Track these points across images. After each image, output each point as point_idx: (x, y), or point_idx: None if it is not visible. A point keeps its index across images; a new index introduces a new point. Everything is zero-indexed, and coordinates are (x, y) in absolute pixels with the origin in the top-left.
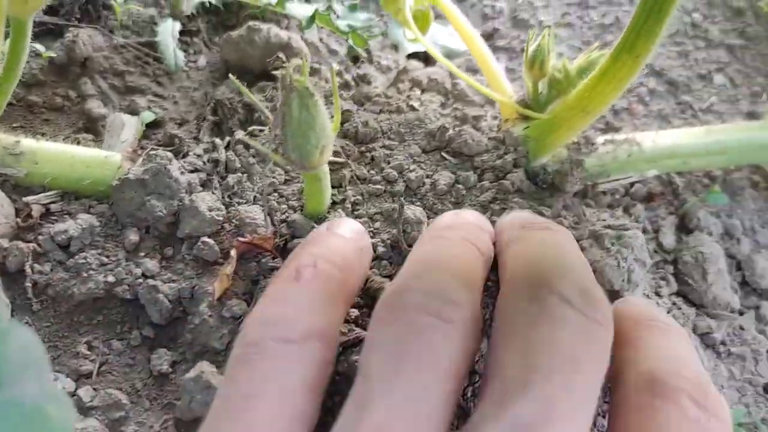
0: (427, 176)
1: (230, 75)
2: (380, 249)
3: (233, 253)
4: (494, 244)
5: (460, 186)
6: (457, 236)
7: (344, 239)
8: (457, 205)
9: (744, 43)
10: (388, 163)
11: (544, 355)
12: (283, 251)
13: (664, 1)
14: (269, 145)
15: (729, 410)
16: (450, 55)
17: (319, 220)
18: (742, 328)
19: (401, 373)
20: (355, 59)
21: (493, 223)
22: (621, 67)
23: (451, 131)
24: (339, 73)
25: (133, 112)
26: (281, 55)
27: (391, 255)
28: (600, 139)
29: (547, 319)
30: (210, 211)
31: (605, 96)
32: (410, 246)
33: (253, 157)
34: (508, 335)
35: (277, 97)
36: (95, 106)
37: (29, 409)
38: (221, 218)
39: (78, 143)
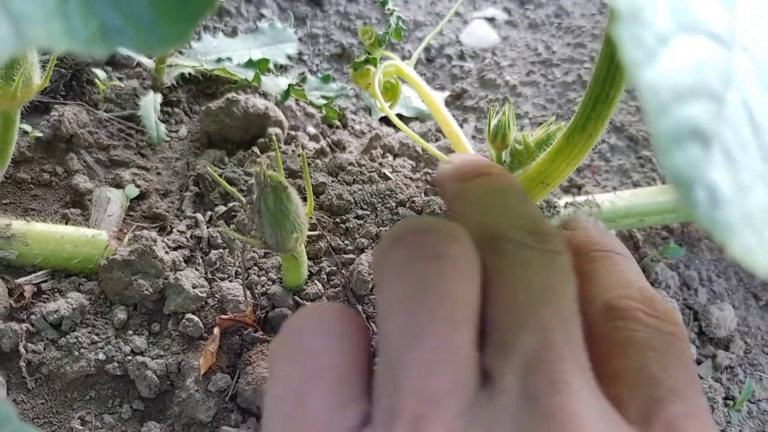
0: None
1: (204, 163)
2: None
3: (216, 331)
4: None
5: None
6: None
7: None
8: None
9: None
10: (360, 233)
11: (524, 296)
12: (264, 323)
13: (611, 89)
14: (248, 227)
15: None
16: (422, 116)
17: (298, 291)
18: (700, 377)
19: (420, 334)
20: (329, 125)
21: None
22: (574, 146)
23: (419, 200)
24: (315, 137)
25: (118, 185)
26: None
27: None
28: (561, 202)
29: (512, 266)
30: (194, 288)
31: (561, 171)
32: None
33: (235, 232)
34: (490, 293)
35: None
36: (81, 181)
37: None
38: (204, 294)
39: (66, 219)
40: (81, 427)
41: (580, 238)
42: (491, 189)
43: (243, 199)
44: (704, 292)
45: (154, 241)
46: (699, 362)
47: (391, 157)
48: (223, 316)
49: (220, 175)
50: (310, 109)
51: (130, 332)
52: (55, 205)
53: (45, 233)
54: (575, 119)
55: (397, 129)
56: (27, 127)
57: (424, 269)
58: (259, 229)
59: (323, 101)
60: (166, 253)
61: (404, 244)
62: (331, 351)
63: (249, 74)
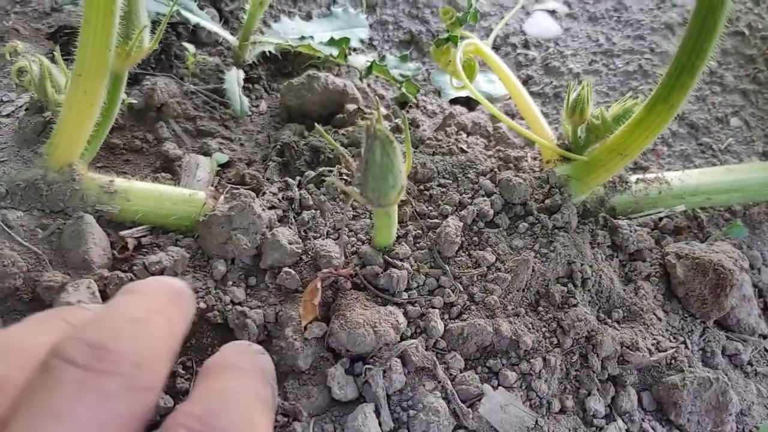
0: (478, 211)
1: (317, 125)
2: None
3: (319, 284)
4: None
5: (507, 218)
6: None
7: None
8: (509, 234)
9: (757, 87)
10: (443, 200)
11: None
12: (354, 278)
13: (697, 59)
14: (345, 184)
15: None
16: (490, 100)
17: (387, 251)
18: (766, 350)
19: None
20: (402, 104)
21: None
22: (656, 116)
23: (499, 174)
24: (388, 117)
25: (206, 153)
26: (349, 106)
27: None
28: (633, 178)
29: (43, 386)
30: (290, 244)
31: (641, 141)
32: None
33: (324, 195)
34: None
35: (348, 131)
36: (171, 148)
37: None
38: (299, 250)
39: (158, 182)
40: (183, 372)
41: (212, 359)
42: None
43: (346, 153)
44: (767, 272)
45: (253, 198)
46: (765, 337)
47: (464, 135)
48: (325, 270)
49: (305, 144)
50: (381, 91)
51: (230, 284)
52: (146, 170)
53: (145, 190)
54: (658, 89)
55: (469, 109)
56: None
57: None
58: (363, 183)
59: (402, 78)
60: (263, 210)
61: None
62: None
63: (332, 51)
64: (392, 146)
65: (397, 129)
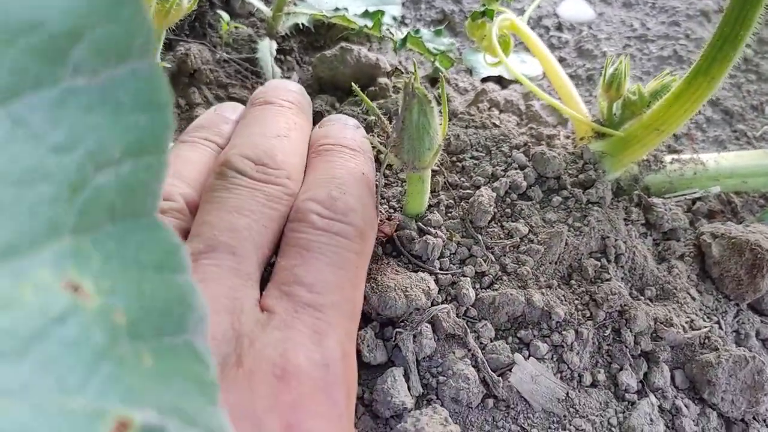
0: (511, 183)
1: (353, 84)
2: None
3: None
4: None
5: (540, 191)
6: (197, 137)
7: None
8: (542, 207)
9: None
10: (475, 172)
11: (216, 214)
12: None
13: (741, 29)
14: (389, 142)
15: (364, 216)
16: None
17: (418, 218)
18: None
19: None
20: (433, 81)
21: None
22: (696, 89)
23: (533, 148)
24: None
25: None
26: (381, 80)
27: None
28: (668, 158)
29: (225, 189)
30: None
31: (679, 116)
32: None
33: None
34: (201, 204)
35: (381, 103)
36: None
37: (200, 357)
38: None
39: None
40: None
41: (317, 132)
42: (258, 119)
43: (381, 115)
44: None
45: None
46: None
47: (497, 112)
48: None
49: (336, 113)
50: (412, 69)
51: None
52: (177, 134)
53: None
54: (698, 62)
55: (502, 86)
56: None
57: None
58: (398, 144)
59: (436, 51)
60: None
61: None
62: None
63: (366, 22)
64: (430, 105)
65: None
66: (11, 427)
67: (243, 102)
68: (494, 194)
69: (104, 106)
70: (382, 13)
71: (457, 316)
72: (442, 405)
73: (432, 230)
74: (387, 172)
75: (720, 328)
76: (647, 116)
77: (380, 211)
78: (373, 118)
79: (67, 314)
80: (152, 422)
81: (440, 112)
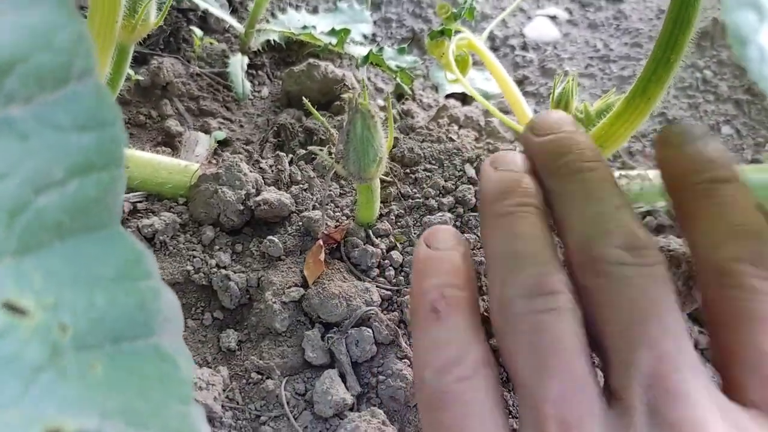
0: (459, 197)
1: (303, 98)
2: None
3: (321, 242)
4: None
5: None
6: (514, 205)
7: (449, 254)
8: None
9: (750, 98)
10: (427, 183)
11: (631, 315)
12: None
13: (672, 53)
14: (331, 158)
15: None
16: (485, 97)
17: (369, 227)
18: None
19: (550, 370)
20: (399, 97)
21: None
22: (635, 108)
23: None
24: (384, 108)
25: (206, 131)
26: (343, 86)
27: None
28: (616, 174)
29: (614, 286)
30: (277, 202)
31: (620, 134)
32: None
33: (313, 171)
34: (595, 310)
35: (342, 118)
36: (173, 125)
37: (167, 357)
38: (286, 213)
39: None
40: None
41: (678, 165)
42: (587, 195)
43: (330, 127)
44: None
45: (241, 160)
46: None
47: (456, 127)
48: (324, 231)
49: (301, 126)
50: (380, 84)
51: (216, 248)
52: (148, 144)
53: (144, 159)
54: (636, 83)
55: (462, 103)
56: (130, 71)
57: (538, 321)
58: (345, 157)
59: (397, 69)
60: (251, 171)
61: (518, 306)
62: None
63: (332, 40)
64: (373, 120)
65: (393, 118)
66: None
67: (212, 114)
68: (450, 216)
69: (42, 131)
70: (347, 31)
71: (398, 323)
72: (381, 404)
73: (375, 240)
74: (343, 182)
75: None
76: (592, 134)
77: (331, 219)
78: (333, 129)
79: (3, 334)
80: (88, 428)
81: (386, 127)
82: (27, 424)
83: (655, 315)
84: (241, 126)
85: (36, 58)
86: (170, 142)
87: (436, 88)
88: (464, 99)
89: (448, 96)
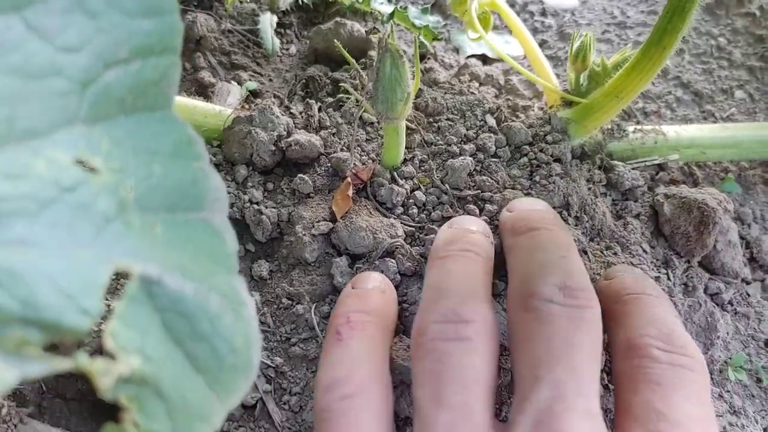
0: (480, 144)
1: (336, 42)
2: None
3: (349, 179)
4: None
5: (508, 151)
6: (455, 250)
7: (366, 290)
8: (508, 165)
9: (764, 65)
10: (450, 132)
11: (544, 351)
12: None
13: (687, 2)
14: (364, 94)
15: (698, 349)
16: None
17: (394, 169)
18: (748, 294)
19: (443, 398)
20: (422, 57)
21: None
22: (650, 58)
23: (505, 111)
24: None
25: (238, 83)
26: (370, 54)
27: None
28: (630, 127)
29: (538, 322)
30: (308, 143)
31: (636, 84)
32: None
33: (341, 118)
34: (515, 344)
35: (372, 58)
36: (206, 76)
37: (216, 233)
38: (316, 154)
39: None
40: None
41: (615, 286)
42: (535, 244)
43: (358, 67)
44: (757, 227)
45: (273, 104)
46: (748, 282)
47: (477, 84)
48: (352, 170)
49: (328, 78)
50: (403, 47)
51: (249, 185)
52: (182, 94)
53: (179, 104)
54: (652, 34)
55: (483, 63)
56: None
57: (444, 349)
58: (373, 95)
59: (420, 26)
60: (282, 115)
61: (431, 331)
62: None
63: None
64: (401, 60)
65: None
66: (24, 268)
67: (243, 68)
68: (471, 159)
69: (110, 12)
70: None
71: (421, 256)
72: (404, 331)
73: (400, 181)
74: (369, 128)
75: (669, 279)
76: (609, 85)
77: (358, 162)
78: (357, 82)
79: (77, 184)
80: (151, 274)
81: (413, 70)
82: (99, 262)
83: (566, 357)
84: (270, 80)
85: None
86: (203, 92)
87: (457, 50)
88: (484, 60)
89: (469, 57)
